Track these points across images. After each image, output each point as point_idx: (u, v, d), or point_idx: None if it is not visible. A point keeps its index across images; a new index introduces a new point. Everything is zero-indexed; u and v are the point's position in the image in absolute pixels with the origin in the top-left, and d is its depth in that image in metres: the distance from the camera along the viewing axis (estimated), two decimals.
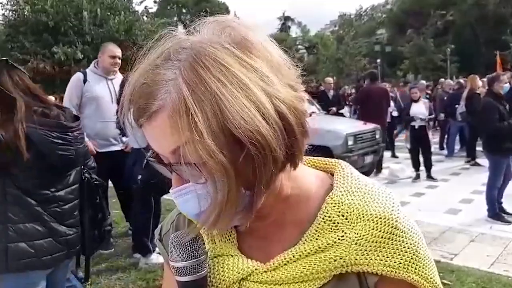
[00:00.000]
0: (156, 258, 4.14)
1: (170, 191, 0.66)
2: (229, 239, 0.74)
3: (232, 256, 0.72)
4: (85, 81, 4.32)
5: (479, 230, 5.21)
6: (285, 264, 0.68)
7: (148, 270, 4.05)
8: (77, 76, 4.40)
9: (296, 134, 0.62)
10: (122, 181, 4.43)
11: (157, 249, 4.11)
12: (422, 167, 7.90)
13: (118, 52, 4.42)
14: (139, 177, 3.88)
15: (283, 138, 0.60)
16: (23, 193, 2.04)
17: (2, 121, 1.97)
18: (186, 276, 0.67)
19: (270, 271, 0.69)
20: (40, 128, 2.01)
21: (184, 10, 42.26)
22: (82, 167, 2.32)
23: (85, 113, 4.27)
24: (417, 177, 7.87)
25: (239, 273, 0.70)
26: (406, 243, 0.67)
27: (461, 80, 11.80)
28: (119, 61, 4.41)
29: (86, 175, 2.32)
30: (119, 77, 4.46)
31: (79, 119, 2.31)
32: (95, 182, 2.36)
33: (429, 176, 7.87)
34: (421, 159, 7.89)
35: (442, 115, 10.43)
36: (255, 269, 0.70)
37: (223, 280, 0.70)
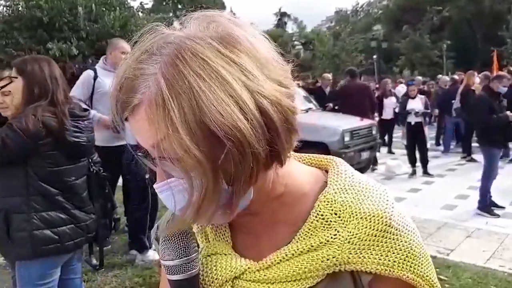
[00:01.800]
0: (152, 255, 4.13)
1: (154, 186, 0.66)
2: (223, 238, 0.74)
3: (225, 254, 0.71)
4: (95, 78, 4.30)
5: (475, 226, 5.24)
6: (278, 263, 0.68)
7: (145, 267, 4.04)
8: (88, 73, 4.39)
9: (279, 131, 0.60)
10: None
11: (153, 245, 4.10)
12: (418, 163, 7.92)
13: (128, 48, 4.39)
14: (147, 176, 3.86)
15: (263, 135, 0.58)
16: (44, 183, 2.19)
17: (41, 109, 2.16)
18: (177, 274, 0.67)
19: (263, 269, 0.69)
20: (56, 116, 2.19)
21: (179, 6, 42.07)
22: (90, 160, 2.47)
23: (99, 108, 4.25)
24: (414, 173, 7.89)
25: (232, 272, 0.69)
26: (401, 241, 0.67)
27: (455, 76, 11.82)
28: None
29: (94, 167, 2.48)
30: None
31: (87, 110, 2.50)
32: (103, 173, 2.52)
33: (425, 172, 7.90)
34: (417, 155, 7.91)
35: (436, 111, 10.44)
36: (248, 268, 0.69)
37: (216, 278, 0.70)
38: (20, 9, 12.21)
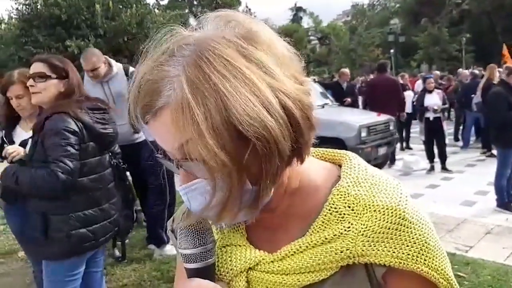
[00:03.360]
0: (170, 249, 4.17)
1: (178, 187, 0.67)
2: (238, 230, 0.75)
3: (240, 246, 0.73)
4: None
5: (495, 222, 5.15)
6: (292, 255, 0.69)
7: (163, 261, 4.09)
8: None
9: (302, 128, 0.62)
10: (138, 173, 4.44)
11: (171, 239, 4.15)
12: (436, 159, 7.82)
13: (88, 64, 4.03)
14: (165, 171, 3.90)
15: (288, 132, 0.60)
16: (80, 175, 2.21)
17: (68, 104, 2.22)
18: (194, 263, 0.68)
19: (277, 261, 0.69)
20: (86, 110, 2.25)
21: (195, 2, 42.21)
22: (110, 153, 2.49)
23: None
24: (432, 168, 7.80)
25: (246, 263, 0.70)
26: (415, 234, 0.66)
27: (475, 71, 11.59)
28: (96, 71, 4.03)
29: (114, 160, 2.50)
30: (118, 76, 4.17)
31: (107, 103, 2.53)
32: (123, 166, 2.55)
33: (444, 168, 7.80)
34: (435, 150, 7.81)
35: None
36: (263, 259, 0.70)
37: (231, 269, 0.71)
38: (39, 7, 12.40)
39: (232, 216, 0.64)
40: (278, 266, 0.69)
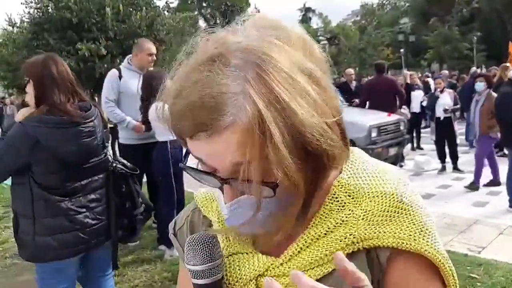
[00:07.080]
0: None
1: (226, 205, 0.64)
2: (243, 237, 0.74)
3: (247, 253, 0.72)
4: (120, 77, 4.40)
5: (508, 223, 5.09)
6: (299, 252, 0.68)
7: (173, 262, 4.10)
8: (113, 72, 4.48)
9: (346, 135, 0.66)
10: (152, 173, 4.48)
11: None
12: (448, 159, 7.75)
13: (154, 49, 4.55)
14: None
15: (339, 139, 0.63)
16: (45, 190, 2.13)
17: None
18: (202, 279, 0.67)
19: (286, 262, 0.69)
20: (44, 126, 2.08)
21: (204, 4, 42.33)
22: (111, 157, 2.37)
23: (125, 109, 4.35)
24: (443, 169, 7.72)
25: (255, 271, 0.70)
26: (414, 216, 0.67)
27: (474, 69, 11.54)
28: (154, 58, 4.53)
29: (114, 164, 2.37)
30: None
31: (89, 110, 2.24)
32: (121, 171, 2.38)
33: (456, 168, 7.72)
34: (447, 150, 7.73)
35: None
36: (271, 264, 0.70)
37: (240, 278, 0.70)
38: (50, 11, 12.53)
39: (290, 226, 0.66)
40: (288, 267, 0.68)
